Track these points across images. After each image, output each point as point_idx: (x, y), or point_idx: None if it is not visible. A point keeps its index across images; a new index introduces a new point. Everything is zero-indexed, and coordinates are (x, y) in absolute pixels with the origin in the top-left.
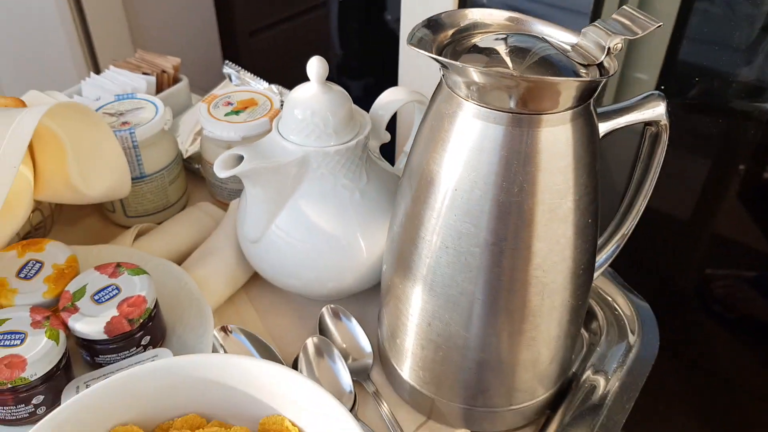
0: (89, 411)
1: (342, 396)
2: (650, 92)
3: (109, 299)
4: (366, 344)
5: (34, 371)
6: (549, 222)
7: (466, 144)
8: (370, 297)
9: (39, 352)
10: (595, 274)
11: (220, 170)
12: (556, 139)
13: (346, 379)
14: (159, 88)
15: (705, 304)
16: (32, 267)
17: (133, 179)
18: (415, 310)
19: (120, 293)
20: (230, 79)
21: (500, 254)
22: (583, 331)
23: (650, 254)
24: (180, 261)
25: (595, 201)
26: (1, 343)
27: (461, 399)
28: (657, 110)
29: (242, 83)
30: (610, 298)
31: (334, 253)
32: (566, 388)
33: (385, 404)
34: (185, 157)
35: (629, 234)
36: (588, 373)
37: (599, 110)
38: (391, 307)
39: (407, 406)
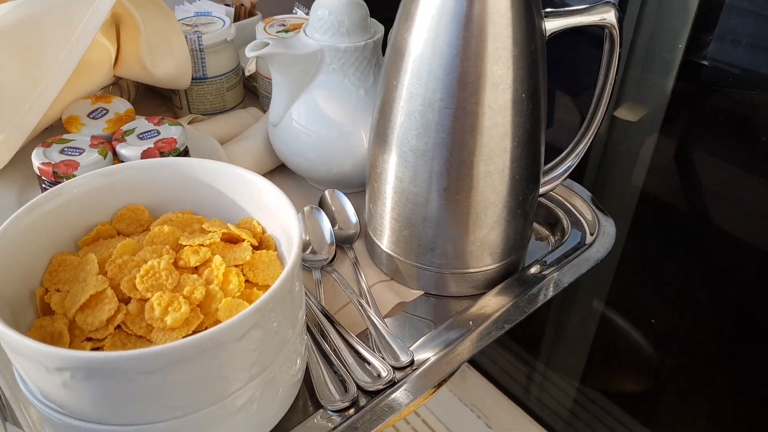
0: (105, 189)
1: (324, 246)
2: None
3: (149, 138)
4: (353, 217)
5: (83, 173)
6: (482, 85)
7: (423, 13)
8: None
9: (90, 161)
10: (556, 177)
11: (250, 50)
12: (497, 9)
13: (328, 236)
14: (236, 19)
15: None
16: (100, 111)
17: (196, 79)
18: (380, 171)
19: (159, 135)
20: None
21: (440, 113)
22: (549, 234)
23: (726, 278)
24: (221, 144)
25: (533, 84)
26: (66, 153)
27: (416, 257)
28: (607, 15)
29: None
30: (573, 209)
31: (337, 140)
32: (515, 271)
33: (359, 264)
34: (246, 75)
35: (591, 140)
36: (539, 262)
37: (549, 10)
38: (369, 178)
39: (378, 270)
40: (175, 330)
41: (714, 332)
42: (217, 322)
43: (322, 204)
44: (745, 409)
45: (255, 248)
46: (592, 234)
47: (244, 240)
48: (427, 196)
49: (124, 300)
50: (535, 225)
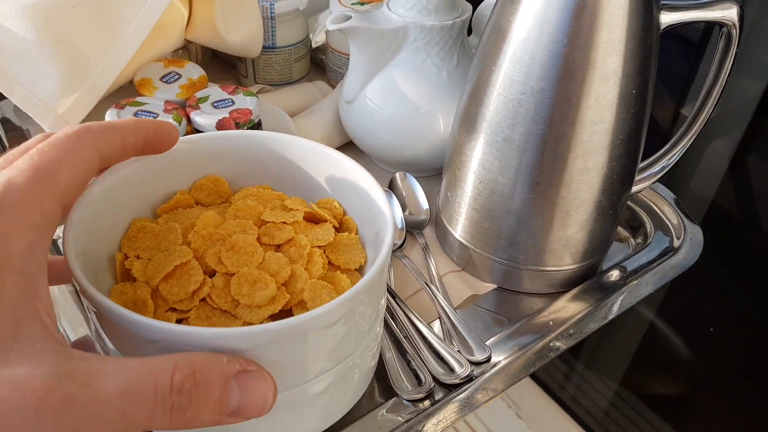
0: (186, 156)
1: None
2: None
3: (224, 107)
4: (424, 203)
5: None
6: (590, 77)
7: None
8: (438, 178)
9: None
10: (649, 177)
11: (331, 23)
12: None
13: (399, 220)
14: None
15: None
16: (173, 76)
17: (265, 48)
18: (465, 159)
19: (233, 105)
20: None
21: (542, 103)
22: (630, 237)
23: None
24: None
25: (644, 80)
26: (140, 116)
27: (493, 250)
28: (729, 13)
29: None
30: (659, 211)
31: (413, 122)
32: (593, 273)
33: (430, 251)
34: (314, 47)
35: (692, 141)
36: (619, 266)
37: (667, 2)
38: (449, 164)
39: (449, 260)
40: (261, 308)
41: (760, 348)
42: (302, 302)
43: (392, 187)
44: None
45: (336, 230)
46: (678, 239)
47: (326, 220)
48: (514, 189)
49: (208, 273)
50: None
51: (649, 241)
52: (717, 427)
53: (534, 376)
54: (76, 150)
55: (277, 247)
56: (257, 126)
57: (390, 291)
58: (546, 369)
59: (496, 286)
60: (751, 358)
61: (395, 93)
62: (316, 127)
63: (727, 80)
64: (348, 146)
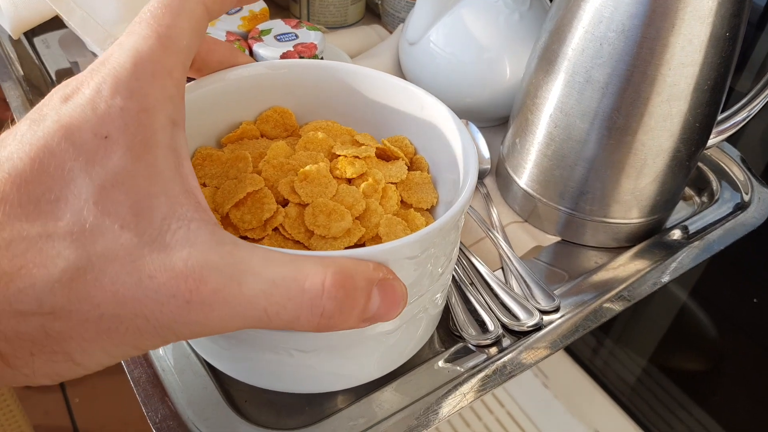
0: (254, 85)
1: None
2: None
3: (288, 41)
4: (486, 152)
5: None
6: (684, 15)
7: None
8: (500, 128)
9: None
10: (729, 128)
11: None
12: None
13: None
14: None
15: None
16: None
17: None
18: (540, 102)
19: (297, 39)
20: None
21: (630, 41)
22: (694, 195)
23: None
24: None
25: (738, 23)
26: None
27: (560, 199)
28: None
29: None
30: (726, 168)
31: (478, 66)
32: (658, 229)
33: (491, 200)
34: None
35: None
36: (681, 226)
37: None
38: (521, 109)
39: (511, 211)
40: (336, 239)
41: None
42: (377, 237)
43: None
44: None
45: (407, 168)
46: (745, 202)
47: (398, 157)
48: (590, 133)
49: (280, 202)
50: None
51: (716, 198)
52: (740, 404)
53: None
54: (189, 9)
55: (350, 181)
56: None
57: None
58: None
59: (559, 239)
60: None
61: (462, 35)
62: (373, 68)
63: None
64: None
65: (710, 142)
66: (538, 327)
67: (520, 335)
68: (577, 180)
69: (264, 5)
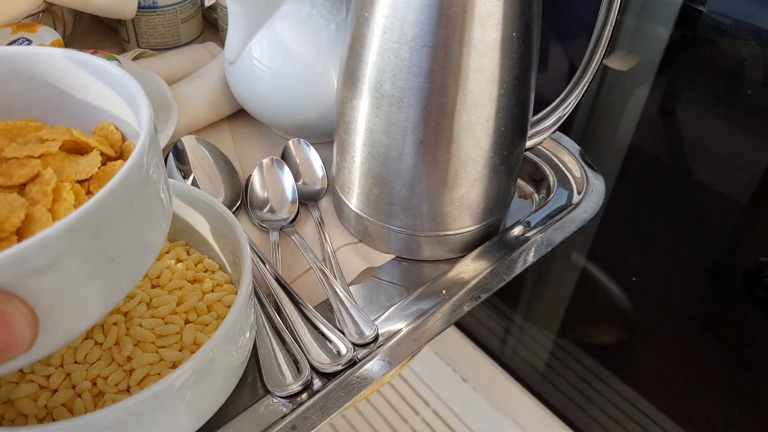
0: None
1: (285, 203)
2: None
3: None
4: (320, 171)
5: None
6: (467, 20)
7: None
8: None
9: None
10: (545, 129)
11: None
12: None
13: (290, 192)
14: None
15: (751, 290)
16: (21, 43)
17: (145, 8)
18: (349, 120)
19: None
20: None
21: (417, 51)
22: (534, 192)
23: (707, 232)
24: (172, 83)
25: (526, 22)
26: None
27: (387, 218)
28: None
29: None
30: (561, 164)
31: (304, 82)
32: (495, 233)
33: (324, 224)
34: (206, 6)
35: (585, 89)
36: (522, 223)
37: None
38: (337, 128)
39: (346, 231)
40: None
41: (692, 287)
42: None
43: (285, 156)
44: (719, 363)
45: (113, 159)
46: (579, 192)
47: (93, 149)
48: (401, 149)
49: None
50: (520, 181)
51: (551, 196)
52: (656, 371)
53: (474, 338)
54: None
55: (21, 188)
56: None
57: (275, 275)
58: (486, 325)
59: (394, 257)
60: (678, 299)
61: (282, 51)
62: (200, 93)
63: (616, 20)
64: (240, 113)
65: (530, 142)
66: (351, 362)
67: (331, 376)
68: (398, 198)
69: (57, 37)
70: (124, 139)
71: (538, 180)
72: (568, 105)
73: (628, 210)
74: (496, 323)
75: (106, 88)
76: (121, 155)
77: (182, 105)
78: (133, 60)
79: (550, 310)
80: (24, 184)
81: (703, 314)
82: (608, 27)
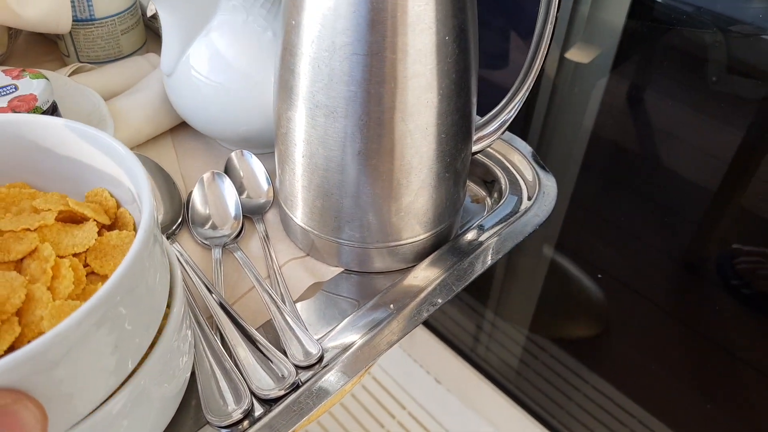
0: None
1: (227, 219)
2: None
3: (4, 95)
4: (265, 184)
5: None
6: (396, 25)
7: None
8: None
9: None
10: (491, 134)
11: None
12: None
13: (233, 207)
14: None
15: (723, 277)
16: None
17: (82, 21)
18: (286, 131)
19: (16, 91)
20: None
21: (348, 60)
22: (486, 196)
23: (677, 220)
24: (111, 97)
25: (460, 24)
26: None
27: (333, 231)
28: None
29: None
30: (512, 167)
31: (244, 92)
32: (446, 239)
33: (269, 240)
34: (148, 15)
35: (529, 91)
36: (475, 228)
37: None
38: (276, 140)
39: (293, 245)
40: None
41: (664, 277)
42: (42, 334)
43: (228, 168)
44: (694, 353)
45: (108, 228)
46: (530, 198)
47: (88, 218)
48: (340, 160)
49: None
50: (472, 184)
51: (503, 201)
52: (631, 364)
53: (445, 338)
54: None
55: (19, 263)
56: (50, 114)
57: (217, 296)
58: (458, 323)
59: (343, 270)
60: (648, 289)
61: (219, 60)
62: (138, 107)
63: (557, 18)
64: (183, 126)
65: (476, 147)
66: (294, 387)
67: (273, 401)
68: (342, 210)
69: None
70: (118, 205)
71: (489, 182)
72: (513, 108)
73: (596, 200)
74: (467, 321)
75: (103, 156)
76: (116, 222)
77: (121, 120)
78: (71, 75)
79: (520, 306)
80: (22, 259)
81: (677, 304)
82: (548, 25)
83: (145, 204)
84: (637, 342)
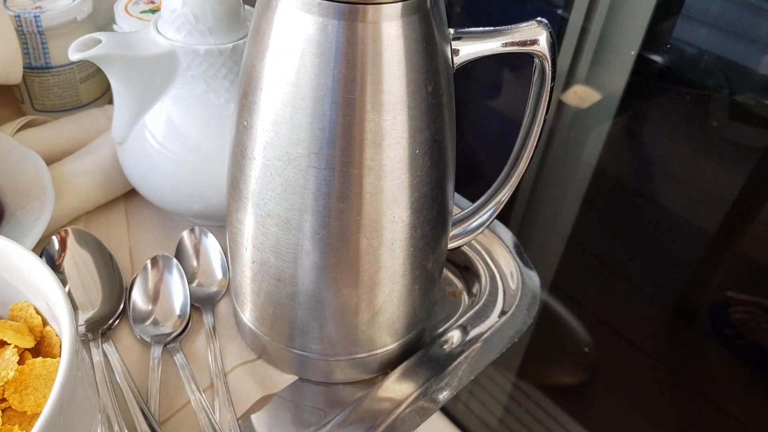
0: None
1: (171, 317)
2: (534, 20)
3: None
4: (219, 271)
5: None
6: (358, 140)
7: (278, 35)
8: None
9: None
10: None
11: (73, 52)
12: (380, 35)
13: (179, 302)
14: None
15: (716, 326)
16: None
17: (36, 68)
18: (236, 232)
19: None
20: None
21: (304, 173)
22: (464, 294)
23: (672, 264)
24: (62, 157)
25: (432, 136)
26: None
27: (286, 340)
28: (538, 42)
29: None
30: (491, 261)
31: (199, 165)
32: (418, 345)
33: (216, 338)
34: None
35: (512, 192)
36: (448, 335)
37: (464, 30)
38: (228, 234)
39: (244, 344)
40: None
41: (656, 323)
42: None
43: (179, 250)
44: (680, 407)
45: (31, 351)
46: (509, 306)
47: (7, 344)
48: (293, 273)
49: None
50: (448, 273)
51: (481, 301)
52: (617, 414)
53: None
54: None
55: None
56: None
57: (148, 415)
58: None
59: (297, 378)
60: (649, 339)
61: (174, 131)
62: (88, 171)
63: (545, 120)
64: (133, 193)
65: (452, 244)
66: None
67: None
68: (296, 321)
69: None
70: (44, 323)
71: (465, 269)
72: (493, 206)
73: (593, 240)
74: None
75: (28, 276)
76: (41, 343)
77: (68, 186)
78: (20, 129)
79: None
80: None
81: (666, 353)
82: (536, 125)
83: (65, 336)
84: (623, 391)
